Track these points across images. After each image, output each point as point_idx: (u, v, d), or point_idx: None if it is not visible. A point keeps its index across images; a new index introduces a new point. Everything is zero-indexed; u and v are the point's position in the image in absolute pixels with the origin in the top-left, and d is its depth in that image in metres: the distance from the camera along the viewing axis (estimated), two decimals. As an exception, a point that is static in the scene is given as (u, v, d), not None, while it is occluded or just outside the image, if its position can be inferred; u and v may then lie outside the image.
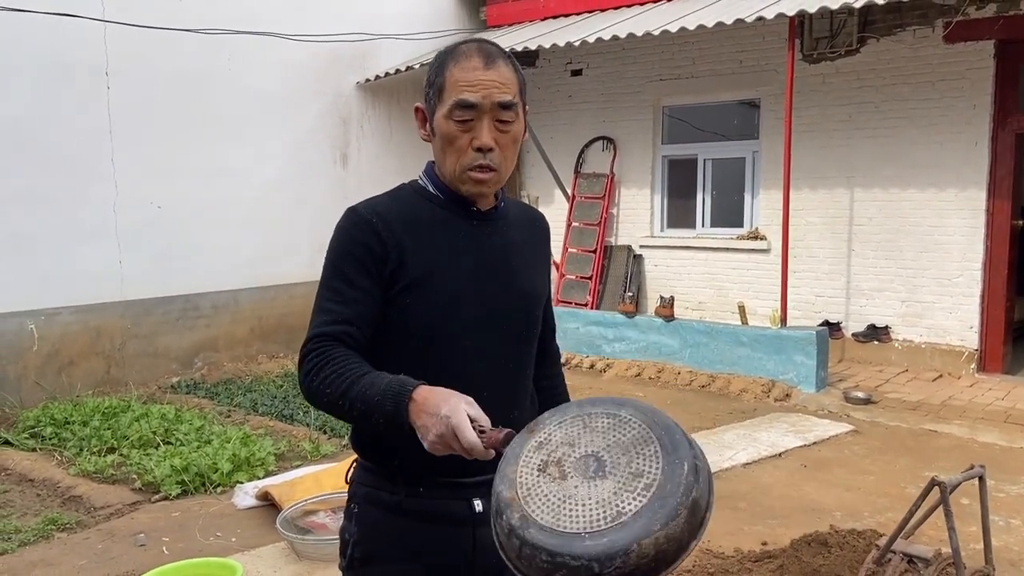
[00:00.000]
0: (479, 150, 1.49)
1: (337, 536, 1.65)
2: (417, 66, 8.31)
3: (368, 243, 1.48)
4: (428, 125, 1.56)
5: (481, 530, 1.49)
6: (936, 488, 2.02)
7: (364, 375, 1.39)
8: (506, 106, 1.49)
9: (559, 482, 1.19)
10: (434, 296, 1.51)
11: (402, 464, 1.53)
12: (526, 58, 9.36)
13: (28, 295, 6.31)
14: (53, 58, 6.38)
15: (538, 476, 1.20)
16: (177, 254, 7.21)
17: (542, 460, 1.22)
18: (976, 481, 2.21)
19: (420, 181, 1.61)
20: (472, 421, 1.29)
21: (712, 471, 4.48)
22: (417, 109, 1.59)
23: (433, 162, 1.60)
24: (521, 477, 1.21)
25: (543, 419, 1.30)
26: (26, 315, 6.31)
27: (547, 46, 7.73)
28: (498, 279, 1.57)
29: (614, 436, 1.23)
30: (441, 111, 1.50)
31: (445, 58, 1.52)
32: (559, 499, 1.16)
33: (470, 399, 1.31)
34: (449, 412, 1.28)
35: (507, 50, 1.56)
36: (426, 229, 1.53)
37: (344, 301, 1.47)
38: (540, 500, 1.17)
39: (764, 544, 3.83)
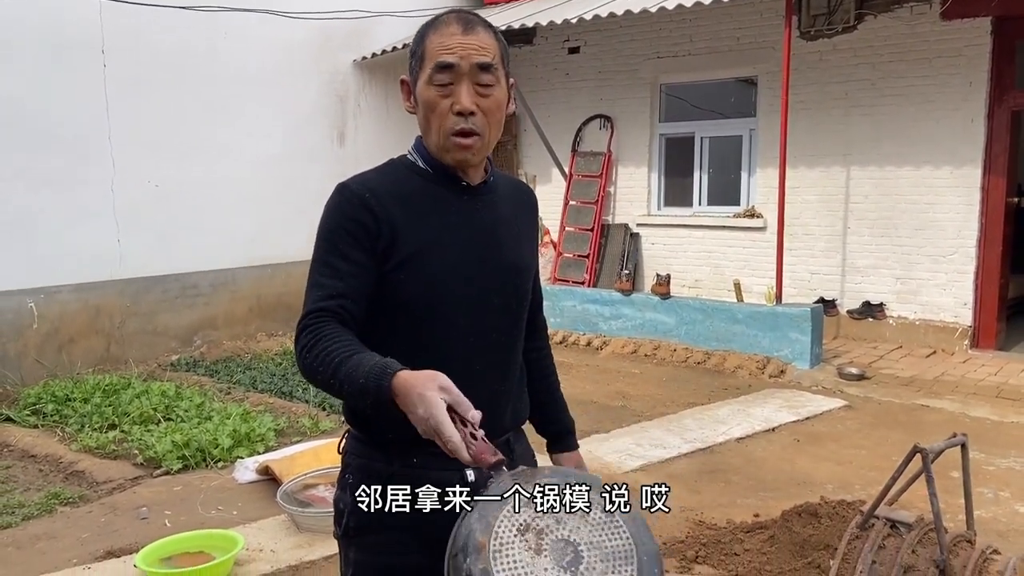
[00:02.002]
0: (460, 114, 1.49)
1: (337, 509, 1.67)
2: (414, 44, 8.28)
3: (361, 219, 1.48)
4: (412, 97, 1.57)
5: None
6: (919, 456, 2.07)
7: (353, 355, 1.37)
8: (485, 67, 1.49)
9: (532, 554, 1.14)
10: (426, 272, 1.51)
11: (395, 436, 1.56)
12: (523, 36, 9.34)
13: (27, 274, 6.34)
14: (49, 36, 6.37)
15: (515, 536, 1.15)
16: (175, 233, 7.23)
17: (525, 521, 1.17)
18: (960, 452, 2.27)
19: (410, 156, 1.61)
20: (454, 411, 1.26)
21: (706, 446, 4.50)
22: (402, 82, 1.60)
23: (421, 137, 1.60)
24: (499, 527, 1.15)
25: (544, 473, 1.25)
26: (26, 293, 6.35)
27: (544, 23, 7.71)
28: (489, 254, 1.58)
29: (600, 536, 1.19)
30: (422, 78, 1.51)
31: (426, 29, 1.54)
32: (525, 573, 1.12)
33: (446, 383, 1.27)
34: (426, 414, 1.25)
35: (504, 27, 1.56)
36: (417, 205, 1.53)
37: (339, 275, 1.47)
38: (507, 563, 1.12)
39: (756, 516, 3.89)
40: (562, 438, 1.86)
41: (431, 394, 1.25)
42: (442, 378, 1.28)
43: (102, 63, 6.71)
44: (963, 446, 2.14)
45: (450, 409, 1.26)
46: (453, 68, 1.47)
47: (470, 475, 1.55)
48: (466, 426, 1.25)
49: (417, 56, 1.53)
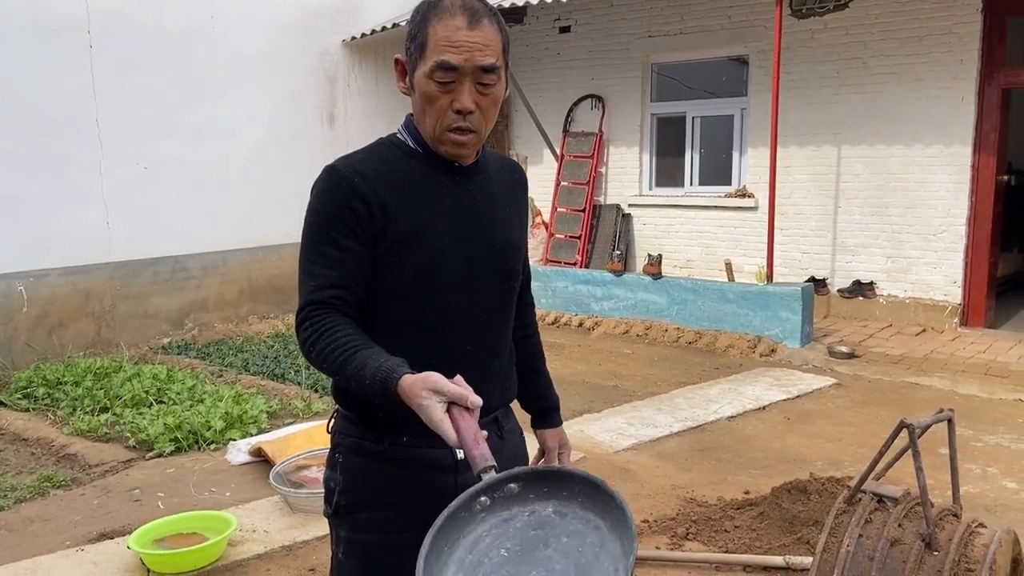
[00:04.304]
0: (459, 112, 1.47)
1: (329, 490, 1.68)
2: (404, 23, 8.19)
3: (352, 205, 1.47)
4: (408, 79, 1.53)
5: (463, 476, 1.50)
6: (906, 432, 2.08)
7: (357, 351, 1.39)
8: (488, 69, 1.46)
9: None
10: (418, 254, 1.50)
11: (384, 415, 1.55)
12: (514, 15, 9.27)
13: (16, 257, 6.30)
14: (34, 17, 6.30)
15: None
16: (165, 215, 7.20)
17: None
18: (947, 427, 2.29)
19: (400, 135, 1.59)
20: (456, 405, 1.30)
21: (697, 424, 4.55)
22: (397, 61, 1.56)
23: (412, 115, 1.58)
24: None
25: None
26: (15, 277, 6.32)
27: (535, 2, 7.65)
28: (481, 234, 1.58)
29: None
30: (422, 69, 1.47)
31: (428, 12, 1.48)
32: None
33: (438, 385, 1.31)
34: (429, 423, 1.29)
35: (494, 6, 1.52)
36: (408, 186, 1.52)
37: (332, 264, 1.46)
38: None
39: (746, 493, 3.92)
40: (547, 415, 1.87)
41: (427, 403, 1.30)
42: (434, 381, 1.31)
43: (88, 43, 6.64)
44: (949, 421, 2.16)
45: (453, 404, 1.30)
46: (457, 69, 1.45)
47: (459, 454, 1.56)
48: (479, 432, 1.29)
49: (418, 43, 1.48)
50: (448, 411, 1.30)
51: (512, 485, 1.25)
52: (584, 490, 1.24)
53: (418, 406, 1.30)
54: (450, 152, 1.53)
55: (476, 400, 1.31)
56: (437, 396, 1.30)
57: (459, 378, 1.34)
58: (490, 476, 1.24)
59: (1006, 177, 7.45)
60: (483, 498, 1.24)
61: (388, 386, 1.33)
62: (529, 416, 1.88)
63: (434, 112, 1.49)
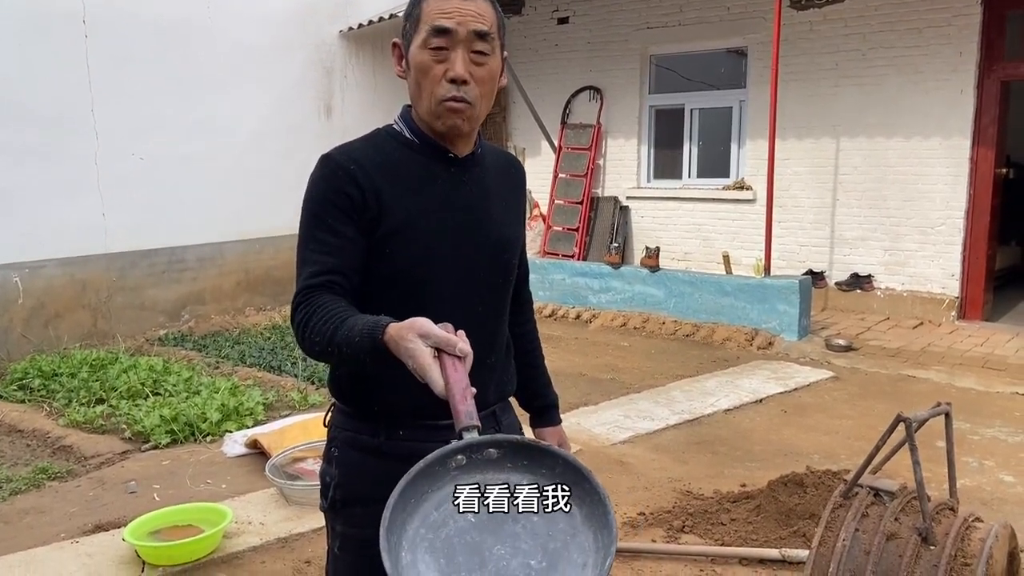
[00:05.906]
0: (452, 81, 1.46)
1: (325, 482, 1.67)
2: (401, 14, 8.17)
3: (347, 191, 1.46)
4: (404, 61, 1.53)
5: None
6: (903, 426, 2.08)
7: (346, 319, 1.37)
8: (482, 35, 1.46)
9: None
10: (412, 245, 1.50)
11: (381, 408, 1.55)
12: (512, 5, 9.24)
13: (12, 248, 6.28)
14: (29, 7, 6.25)
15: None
16: (161, 206, 7.17)
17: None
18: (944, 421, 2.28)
19: (396, 126, 1.58)
20: (442, 352, 1.25)
21: (694, 417, 4.52)
22: (394, 45, 1.56)
23: (409, 106, 1.57)
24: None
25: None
26: (10, 268, 6.30)
27: (532, -7, 7.63)
28: (476, 227, 1.56)
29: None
30: (416, 41, 1.48)
31: None
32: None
33: (425, 329, 1.25)
34: (414, 365, 1.25)
35: None
36: (403, 176, 1.51)
37: (329, 251, 1.46)
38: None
39: (743, 486, 3.92)
40: (545, 412, 1.86)
41: (413, 345, 1.24)
42: (421, 324, 1.26)
43: (83, 34, 6.59)
44: (947, 415, 2.15)
45: (441, 352, 1.25)
46: (450, 33, 1.44)
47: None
48: (467, 388, 1.24)
49: (412, 19, 1.49)
50: (439, 359, 1.24)
51: (492, 450, 1.20)
52: (565, 473, 1.20)
53: (405, 350, 1.24)
54: (447, 124, 1.50)
55: (465, 348, 1.25)
56: (424, 340, 1.25)
57: (461, 332, 1.28)
58: (471, 436, 1.19)
59: (1004, 170, 7.44)
60: (460, 456, 1.18)
61: (375, 335, 1.28)
62: (528, 414, 1.87)
63: (429, 83, 1.47)
